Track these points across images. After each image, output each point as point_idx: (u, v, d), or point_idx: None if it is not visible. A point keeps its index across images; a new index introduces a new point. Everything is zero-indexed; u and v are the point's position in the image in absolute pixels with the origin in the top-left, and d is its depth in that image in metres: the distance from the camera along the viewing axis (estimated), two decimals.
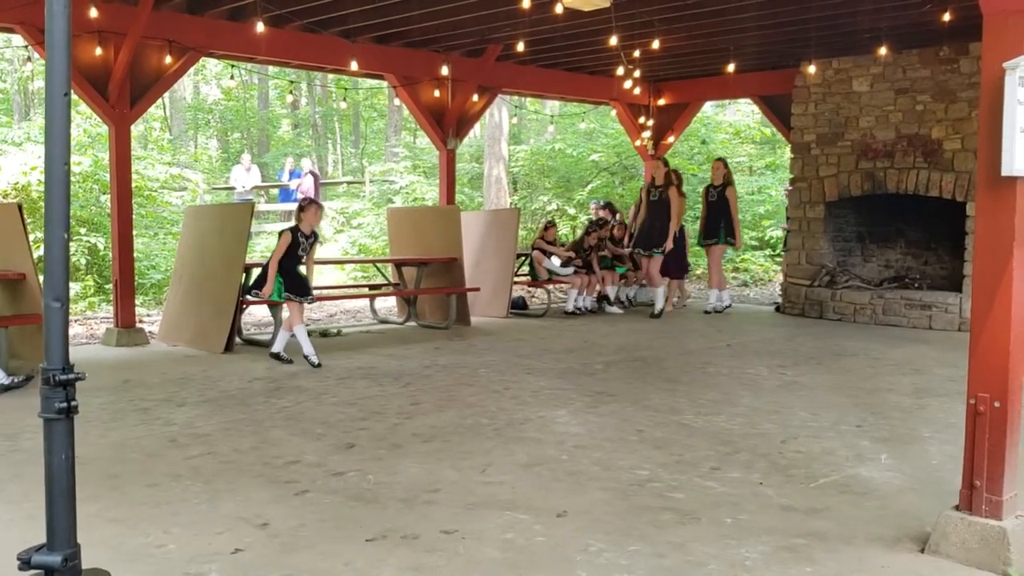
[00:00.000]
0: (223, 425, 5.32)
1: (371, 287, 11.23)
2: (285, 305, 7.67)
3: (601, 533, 3.55)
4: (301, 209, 7.70)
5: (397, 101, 11.71)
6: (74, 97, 10.88)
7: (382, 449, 4.79)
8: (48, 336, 1.85)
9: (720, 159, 11.66)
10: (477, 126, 17.31)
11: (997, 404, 3.24)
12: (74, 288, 12.20)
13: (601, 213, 12.74)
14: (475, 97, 11.19)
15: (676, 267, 11.46)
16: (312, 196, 17.54)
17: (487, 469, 4.43)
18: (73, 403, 1.87)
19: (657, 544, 3.44)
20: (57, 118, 1.80)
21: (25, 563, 1.92)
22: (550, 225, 11.37)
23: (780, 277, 14.01)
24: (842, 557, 3.33)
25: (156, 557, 3.32)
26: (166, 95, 19.66)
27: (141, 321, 9.46)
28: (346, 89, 13.16)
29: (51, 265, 1.84)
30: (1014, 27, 3.17)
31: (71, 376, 1.86)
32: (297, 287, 7.56)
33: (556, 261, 10.86)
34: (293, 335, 7.47)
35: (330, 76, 12.14)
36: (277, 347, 7.62)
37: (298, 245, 7.55)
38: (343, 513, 3.78)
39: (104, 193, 12.94)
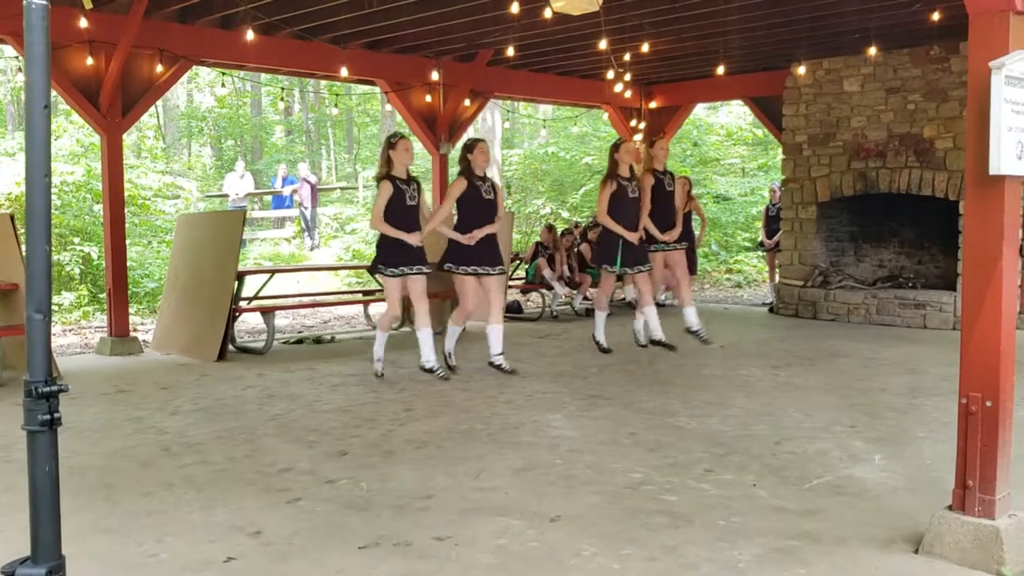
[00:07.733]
0: (216, 433, 5.30)
1: (365, 293, 11.22)
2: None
3: (594, 537, 3.54)
4: (391, 147, 6.79)
5: (390, 106, 11.68)
6: (66, 107, 10.91)
7: (375, 456, 4.78)
8: (30, 348, 1.85)
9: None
10: (470, 130, 17.30)
11: (989, 403, 3.23)
12: (68, 297, 12.19)
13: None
14: (467, 102, 11.20)
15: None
16: (311, 203, 17.54)
17: (480, 474, 4.42)
18: (56, 415, 1.87)
19: (649, 547, 3.43)
20: (37, 130, 1.79)
21: None
22: (562, 231, 11.49)
23: (768, 277, 14.03)
24: (836, 558, 3.33)
25: (149, 566, 3.31)
26: (159, 103, 19.63)
27: (135, 330, 9.44)
28: (338, 95, 13.17)
29: (33, 277, 1.83)
30: (999, 27, 3.17)
31: (54, 388, 1.85)
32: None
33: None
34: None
35: (322, 82, 12.14)
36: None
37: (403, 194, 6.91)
38: (336, 521, 3.77)
39: (97, 202, 12.93)
